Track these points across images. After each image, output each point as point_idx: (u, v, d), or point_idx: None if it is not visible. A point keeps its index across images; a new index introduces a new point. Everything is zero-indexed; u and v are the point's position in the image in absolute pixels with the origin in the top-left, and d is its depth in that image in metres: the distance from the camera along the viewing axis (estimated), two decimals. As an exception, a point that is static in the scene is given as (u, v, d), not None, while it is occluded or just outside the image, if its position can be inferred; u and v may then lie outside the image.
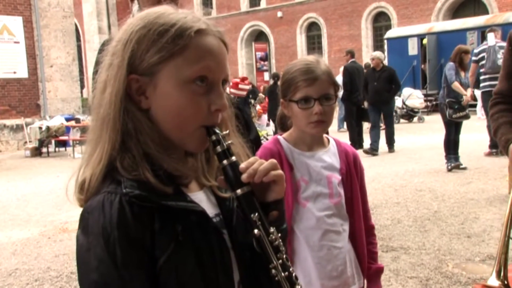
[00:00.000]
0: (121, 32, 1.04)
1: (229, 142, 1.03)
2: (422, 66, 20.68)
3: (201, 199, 1.07)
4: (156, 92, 1.01)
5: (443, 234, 4.99)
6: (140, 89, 1.02)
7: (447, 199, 6.35)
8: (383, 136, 10.51)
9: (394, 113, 11.49)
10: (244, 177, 1.01)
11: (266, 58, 30.07)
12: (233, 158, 1.02)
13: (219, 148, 1.02)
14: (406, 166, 8.71)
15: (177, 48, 0.99)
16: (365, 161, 8.14)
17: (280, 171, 1.04)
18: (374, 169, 8.41)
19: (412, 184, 7.33)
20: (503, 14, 19.88)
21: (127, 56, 1.00)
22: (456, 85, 7.88)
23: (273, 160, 1.04)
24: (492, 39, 9.08)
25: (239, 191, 1.01)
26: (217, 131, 1.03)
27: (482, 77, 9.05)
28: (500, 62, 8.55)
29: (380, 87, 10.21)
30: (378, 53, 10.94)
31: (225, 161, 1.02)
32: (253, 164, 1.02)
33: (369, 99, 10.50)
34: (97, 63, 1.09)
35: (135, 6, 2.34)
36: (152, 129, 1.01)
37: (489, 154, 9.06)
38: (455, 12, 24.87)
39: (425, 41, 20.36)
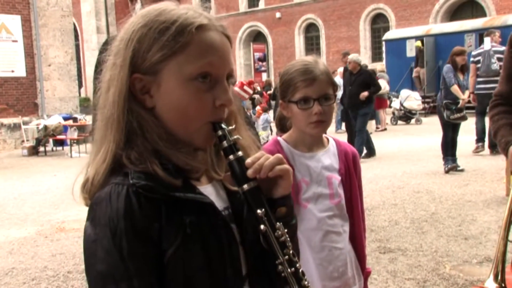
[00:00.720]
0: (123, 31, 1.04)
1: (236, 137, 1.02)
2: (415, 70, 20.15)
3: (210, 192, 1.06)
4: (160, 91, 1.00)
5: (440, 236, 5.00)
6: (144, 88, 1.01)
7: (444, 200, 6.35)
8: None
9: (368, 118, 10.65)
10: (249, 172, 1.00)
11: (264, 59, 30.09)
12: (239, 153, 1.02)
13: (225, 143, 1.01)
14: (404, 168, 8.71)
15: (178, 45, 0.98)
16: (363, 162, 8.13)
17: (286, 166, 1.03)
18: (371, 171, 8.42)
19: (409, 185, 7.33)
20: (501, 16, 19.94)
21: (129, 56, 1.00)
22: (455, 89, 7.90)
23: (279, 155, 1.03)
24: (488, 43, 9.15)
25: (245, 186, 1.00)
26: (223, 126, 1.02)
27: (477, 80, 9.16)
28: (494, 66, 8.69)
29: (354, 91, 9.81)
30: (354, 56, 10.44)
31: (231, 156, 1.01)
32: (259, 159, 1.01)
33: (345, 103, 10.24)
34: (101, 62, 1.08)
35: (137, 5, 2.33)
36: (159, 126, 1.00)
37: (476, 149, 9.41)
38: (453, 15, 24.93)
39: (418, 43, 20.13)
